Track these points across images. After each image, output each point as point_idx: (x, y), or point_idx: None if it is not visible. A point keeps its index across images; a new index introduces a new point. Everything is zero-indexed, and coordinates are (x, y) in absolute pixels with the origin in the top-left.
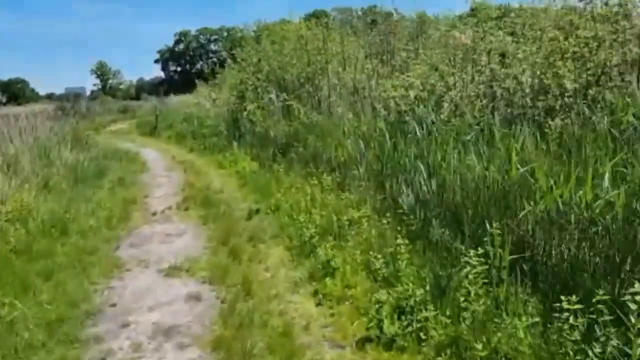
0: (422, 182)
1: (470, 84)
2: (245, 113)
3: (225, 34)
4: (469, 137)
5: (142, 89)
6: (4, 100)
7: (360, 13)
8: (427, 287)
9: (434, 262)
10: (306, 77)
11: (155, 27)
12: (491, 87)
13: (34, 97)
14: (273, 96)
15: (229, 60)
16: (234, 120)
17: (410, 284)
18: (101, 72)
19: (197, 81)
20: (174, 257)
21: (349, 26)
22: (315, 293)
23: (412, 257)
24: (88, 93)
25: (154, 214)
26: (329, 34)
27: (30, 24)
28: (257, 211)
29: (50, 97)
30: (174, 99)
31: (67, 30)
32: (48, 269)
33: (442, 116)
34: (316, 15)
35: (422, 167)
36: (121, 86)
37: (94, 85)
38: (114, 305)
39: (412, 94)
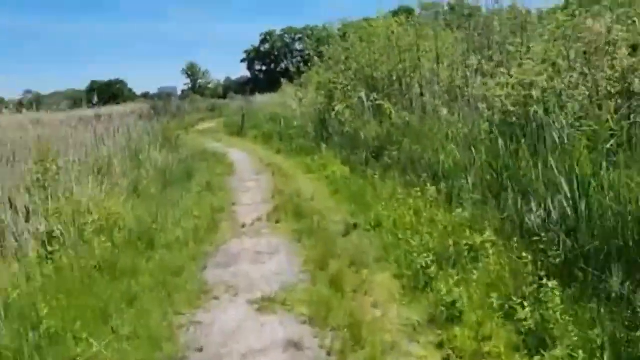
0: (565, 203)
1: (601, 81)
2: (333, 113)
3: (310, 32)
4: (609, 145)
5: (229, 88)
6: (94, 100)
7: (447, 8)
8: (604, 357)
9: (602, 316)
10: (397, 75)
11: (243, 27)
12: (628, 83)
13: (131, 97)
14: (363, 95)
15: (315, 59)
16: (321, 121)
17: (575, 347)
18: (191, 72)
19: (282, 80)
20: (267, 284)
21: (442, 21)
22: (441, 345)
23: (566, 305)
24: (179, 92)
25: (243, 225)
26: (421, 28)
27: (128, 26)
28: (355, 226)
29: (145, 96)
30: (260, 98)
31: (161, 32)
32: (131, 291)
33: (568, 119)
34: (402, 12)
35: (563, 182)
36: (210, 85)
37: (185, 84)
38: (200, 350)
39: (522, 91)
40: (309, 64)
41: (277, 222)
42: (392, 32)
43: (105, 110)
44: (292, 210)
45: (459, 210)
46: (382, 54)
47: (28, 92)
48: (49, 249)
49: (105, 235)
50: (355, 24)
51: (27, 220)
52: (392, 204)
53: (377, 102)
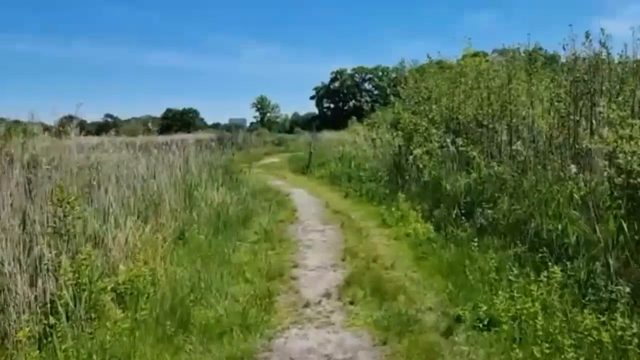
0: None
1: None
2: (411, 157)
3: (380, 73)
4: None
5: (296, 124)
6: (155, 130)
7: (522, 54)
8: None
9: None
10: (484, 119)
11: (313, 65)
12: None
13: (202, 126)
14: (448, 141)
15: (391, 97)
16: (396, 165)
17: None
18: (261, 105)
19: (352, 119)
20: None
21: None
22: None
23: None
24: (248, 124)
25: (306, 305)
26: (514, 69)
27: (204, 61)
28: (458, 319)
29: (215, 126)
30: (327, 135)
31: (235, 67)
32: None
33: None
34: (474, 56)
35: None
36: (277, 119)
37: (254, 117)
38: None
39: None
40: (382, 103)
41: (351, 302)
42: (481, 72)
43: (175, 137)
44: (370, 285)
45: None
46: (468, 96)
47: (108, 116)
48: (50, 324)
49: (129, 305)
50: (428, 65)
51: (31, 284)
52: (505, 289)
53: (462, 149)
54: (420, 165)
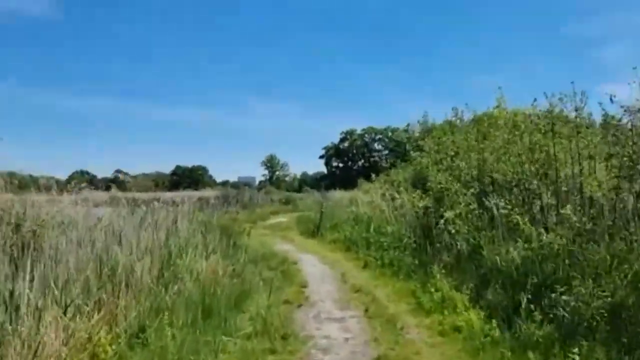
0: None
1: None
2: (442, 221)
3: (390, 133)
4: None
5: (305, 183)
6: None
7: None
8: None
9: None
10: (525, 177)
11: (322, 124)
12: None
13: (211, 184)
14: (488, 202)
15: (411, 153)
16: (424, 230)
17: None
18: (270, 163)
19: (361, 179)
20: None
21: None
22: None
23: None
24: (257, 182)
25: None
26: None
27: (212, 117)
28: None
29: (225, 184)
30: (337, 194)
31: (243, 124)
32: None
33: None
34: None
35: None
36: (286, 178)
37: (263, 175)
38: None
39: None
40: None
41: None
42: (516, 126)
43: (181, 194)
44: None
45: None
46: (504, 152)
47: (118, 171)
48: None
49: None
50: (436, 127)
51: None
52: None
53: (505, 212)
54: (453, 231)
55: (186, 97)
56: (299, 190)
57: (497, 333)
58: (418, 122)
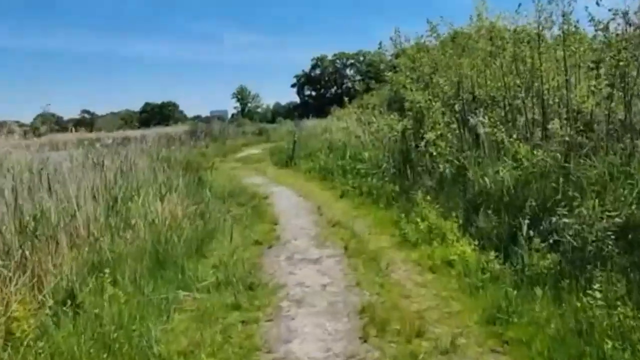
0: None
1: None
2: (422, 143)
3: (362, 58)
4: None
5: (278, 113)
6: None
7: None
8: None
9: None
10: (509, 93)
11: (294, 53)
12: None
13: (182, 119)
14: (476, 120)
15: (388, 74)
16: (403, 154)
17: None
18: (241, 95)
19: (344, 101)
20: None
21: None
22: None
23: None
24: (230, 116)
25: None
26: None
27: (182, 50)
28: None
29: (196, 119)
30: (310, 122)
31: (215, 57)
32: None
33: None
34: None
35: None
36: (259, 109)
37: (234, 108)
38: None
39: None
40: (374, 83)
41: None
42: (502, 38)
43: (149, 131)
44: None
45: None
46: (485, 66)
47: (85, 111)
48: None
49: None
50: (408, 50)
51: None
52: None
53: (490, 131)
54: (434, 153)
55: (153, 31)
56: (272, 121)
57: (495, 266)
58: (390, 38)
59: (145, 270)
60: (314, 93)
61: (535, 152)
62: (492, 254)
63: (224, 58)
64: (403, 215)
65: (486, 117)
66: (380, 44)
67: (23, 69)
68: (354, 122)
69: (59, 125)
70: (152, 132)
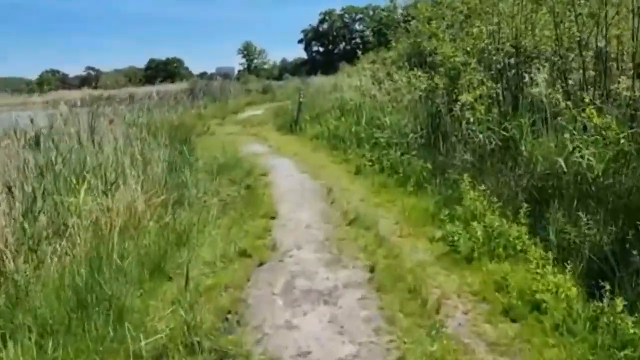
0: None
1: None
2: (457, 107)
3: (371, 12)
4: None
5: (285, 70)
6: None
7: None
8: None
9: None
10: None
11: (302, 7)
12: None
13: (187, 76)
14: (540, 77)
15: (402, 25)
16: (433, 121)
17: None
18: (247, 51)
19: (357, 55)
20: None
21: None
22: None
23: None
24: (236, 73)
25: None
26: None
27: (186, 9)
28: None
29: (202, 76)
30: (318, 80)
31: (221, 13)
32: None
33: None
34: None
35: None
36: (265, 66)
37: (240, 64)
38: None
39: None
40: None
41: None
42: None
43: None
44: None
45: None
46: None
47: (90, 68)
48: None
49: None
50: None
51: None
52: None
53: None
54: (472, 119)
55: None
56: (279, 78)
57: (624, 323)
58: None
59: (61, 318)
60: (322, 49)
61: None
62: (619, 302)
63: (231, 14)
64: (442, 204)
65: (544, 76)
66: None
67: (28, 26)
68: (368, 80)
69: (65, 82)
70: (157, 89)
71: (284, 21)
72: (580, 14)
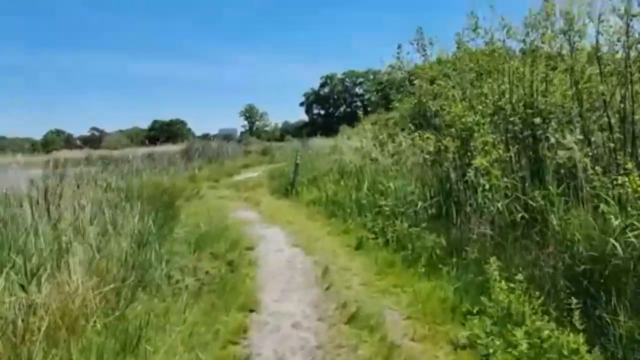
0: None
1: None
2: (471, 172)
3: (372, 77)
4: None
5: (287, 132)
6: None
7: None
8: None
9: None
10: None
11: (302, 72)
12: None
13: (190, 137)
14: (570, 139)
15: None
16: (442, 187)
17: None
18: (249, 114)
19: (358, 115)
20: None
21: None
22: None
23: None
24: (238, 134)
25: None
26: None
27: (191, 70)
28: None
29: (205, 137)
30: (318, 141)
31: (225, 76)
32: None
33: None
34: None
35: None
36: (266, 128)
37: (242, 126)
38: None
39: None
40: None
41: None
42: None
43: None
44: None
45: None
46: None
47: (94, 129)
48: None
49: None
50: (420, 68)
51: None
52: None
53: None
54: (487, 186)
55: (162, 52)
56: (281, 139)
57: None
58: (411, 43)
59: None
60: (322, 112)
61: None
62: None
63: (234, 77)
64: (463, 292)
65: (567, 136)
66: (399, 46)
67: (35, 87)
68: (369, 141)
69: (69, 142)
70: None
71: (286, 84)
72: (602, 72)
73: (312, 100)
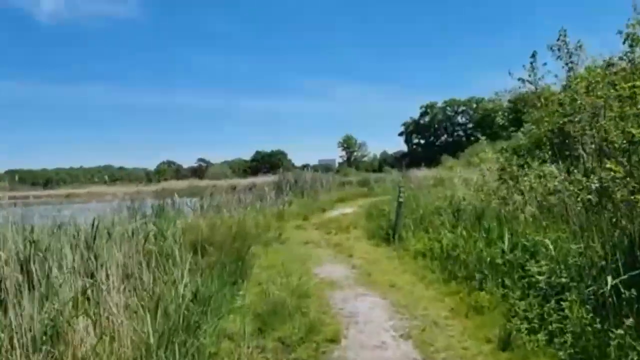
0: None
1: None
2: None
3: (475, 105)
4: None
5: (385, 162)
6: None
7: None
8: None
9: None
10: None
11: (402, 101)
12: None
13: (290, 168)
14: None
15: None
16: (630, 247)
17: None
18: (347, 144)
19: (479, 140)
20: None
21: None
22: None
23: None
24: (337, 165)
25: None
26: None
27: (292, 102)
28: None
29: (304, 167)
30: (420, 173)
31: (325, 108)
32: None
33: None
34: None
35: None
36: (365, 158)
37: (340, 157)
38: None
39: None
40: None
41: None
42: None
43: (258, 179)
44: None
45: None
46: None
47: (201, 160)
48: None
49: None
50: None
51: None
52: None
53: None
54: None
55: (265, 88)
56: (379, 170)
57: None
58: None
59: None
60: (422, 141)
61: None
62: None
63: (334, 109)
64: None
65: None
66: (533, 55)
67: (150, 123)
68: (493, 174)
69: (179, 172)
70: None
71: (386, 114)
72: None
73: (411, 129)
